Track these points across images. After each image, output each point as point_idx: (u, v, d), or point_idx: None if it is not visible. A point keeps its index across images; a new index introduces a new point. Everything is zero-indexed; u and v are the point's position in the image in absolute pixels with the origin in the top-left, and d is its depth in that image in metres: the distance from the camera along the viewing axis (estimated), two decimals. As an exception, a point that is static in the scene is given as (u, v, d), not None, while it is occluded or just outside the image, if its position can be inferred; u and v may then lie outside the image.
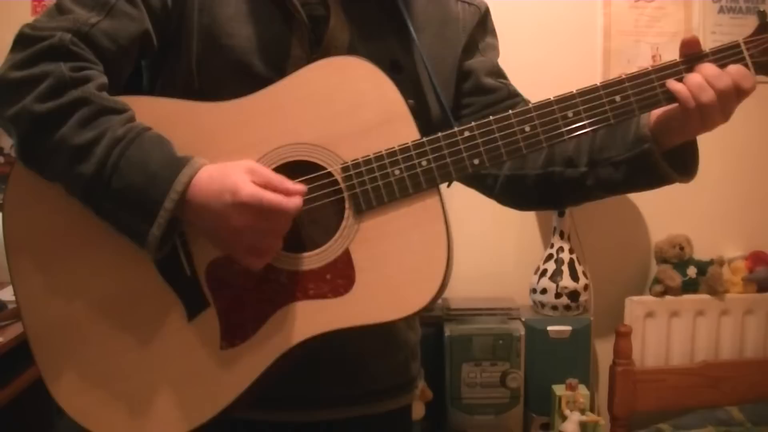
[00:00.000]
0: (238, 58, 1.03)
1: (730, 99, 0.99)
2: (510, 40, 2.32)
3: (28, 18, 1.02)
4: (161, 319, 1.00)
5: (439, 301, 2.25)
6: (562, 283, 2.24)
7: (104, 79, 0.97)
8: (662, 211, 2.46)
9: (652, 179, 1.08)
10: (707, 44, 1.01)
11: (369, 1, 1.10)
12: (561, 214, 2.30)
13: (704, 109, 0.98)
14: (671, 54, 1.02)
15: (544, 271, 2.28)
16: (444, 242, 0.99)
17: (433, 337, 2.13)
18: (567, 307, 2.25)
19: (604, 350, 2.41)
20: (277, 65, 1.03)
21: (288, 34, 1.04)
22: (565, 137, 1.01)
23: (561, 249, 2.29)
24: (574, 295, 2.24)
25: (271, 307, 0.99)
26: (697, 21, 2.43)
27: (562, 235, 2.30)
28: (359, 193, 0.99)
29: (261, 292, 0.99)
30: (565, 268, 2.26)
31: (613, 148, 1.08)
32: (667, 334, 2.38)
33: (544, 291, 2.26)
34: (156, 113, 0.99)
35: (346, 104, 1.00)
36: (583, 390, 2.14)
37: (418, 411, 2.03)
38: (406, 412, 1.24)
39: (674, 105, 1.01)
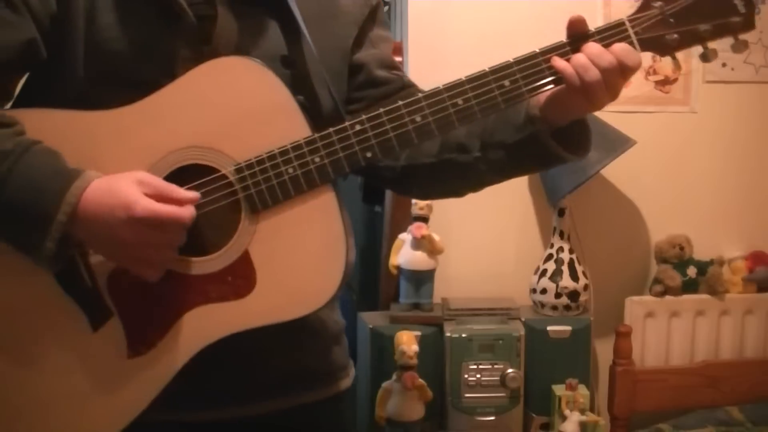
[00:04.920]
0: (124, 63, 1.02)
1: (614, 77, 0.99)
2: (509, 40, 2.33)
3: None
4: (65, 332, 0.99)
5: (439, 300, 2.26)
6: (562, 283, 2.24)
7: None
8: (662, 211, 2.46)
9: (544, 159, 1.08)
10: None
11: None
12: (561, 214, 2.30)
13: (589, 88, 0.99)
14: (671, 54, 1.02)
15: (544, 271, 2.28)
16: (342, 236, 1.00)
17: (433, 337, 2.12)
18: (567, 307, 2.25)
19: (604, 350, 2.41)
20: (165, 68, 1.02)
21: (175, 36, 1.03)
22: (456, 126, 1.01)
23: (561, 249, 2.29)
24: (574, 295, 2.24)
25: (175, 313, 0.99)
26: (697, 21, 2.43)
27: (562, 235, 2.30)
28: (254, 194, 0.99)
29: (163, 298, 0.99)
30: (564, 268, 2.26)
31: (503, 131, 1.09)
32: (667, 334, 2.38)
33: (544, 291, 2.26)
34: (44, 125, 0.98)
35: (235, 105, 1.00)
36: (583, 390, 2.14)
37: (418, 411, 2.02)
38: (339, 400, 1.23)
39: (562, 86, 1.01)
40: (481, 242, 2.40)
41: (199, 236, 0.98)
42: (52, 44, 1.02)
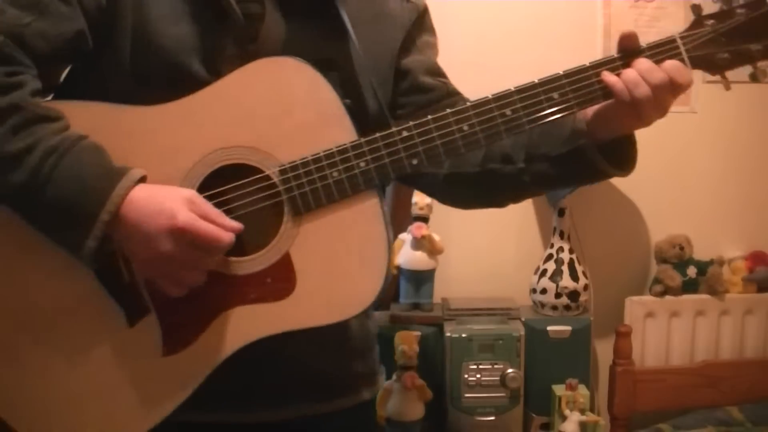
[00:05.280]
0: (171, 59, 1.01)
1: (664, 93, 0.99)
2: (509, 41, 2.34)
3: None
4: (101, 327, 0.99)
5: (439, 300, 2.26)
6: (562, 283, 2.24)
7: (38, 84, 0.95)
8: (662, 211, 2.46)
9: (589, 174, 1.08)
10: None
11: None
12: (561, 214, 2.30)
13: (639, 104, 0.99)
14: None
15: (544, 271, 2.28)
16: (384, 242, 0.99)
17: (433, 337, 2.13)
18: (567, 307, 2.25)
19: (604, 350, 2.41)
20: (211, 64, 1.01)
21: (222, 33, 1.02)
22: (504, 137, 1.01)
23: (561, 249, 2.29)
24: (574, 295, 2.24)
25: (212, 312, 0.98)
26: (697, 21, 2.43)
27: (562, 235, 2.30)
28: (297, 196, 0.98)
29: (201, 297, 0.97)
30: (564, 268, 2.26)
31: (549, 143, 1.08)
32: (667, 334, 2.38)
33: (544, 291, 2.26)
34: (89, 118, 0.97)
35: (282, 106, 0.99)
36: (583, 390, 2.14)
37: (418, 411, 2.02)
38: (372, 404, 1.23)
39: (611, 100, 1.01)
40: (481, 242, 2.40)
41: (240, 236, 0.97)
42: (99, 36, 1.01)
